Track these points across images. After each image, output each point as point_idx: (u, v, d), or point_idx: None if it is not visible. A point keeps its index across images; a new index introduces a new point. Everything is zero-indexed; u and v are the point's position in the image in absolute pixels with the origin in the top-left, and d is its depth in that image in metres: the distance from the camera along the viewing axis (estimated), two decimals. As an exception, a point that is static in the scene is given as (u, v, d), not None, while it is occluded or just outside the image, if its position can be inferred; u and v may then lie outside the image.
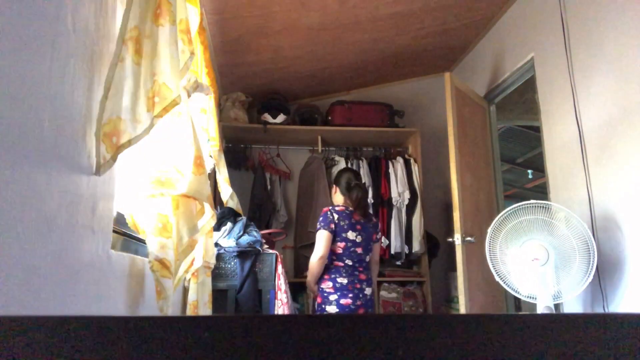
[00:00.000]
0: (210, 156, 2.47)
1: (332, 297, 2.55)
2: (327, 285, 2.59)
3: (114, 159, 1.11)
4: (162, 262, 1.32)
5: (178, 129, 1.42)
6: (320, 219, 2.58)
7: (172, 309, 1.90)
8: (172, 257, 1.34)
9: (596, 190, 2.38)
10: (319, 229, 2.56)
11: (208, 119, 2.31)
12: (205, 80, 2.21)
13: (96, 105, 1.09)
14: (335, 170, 3.94)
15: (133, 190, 1.32)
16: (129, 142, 1.13)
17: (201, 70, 2.14)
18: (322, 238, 2.54)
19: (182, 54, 1.46)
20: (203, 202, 1.49)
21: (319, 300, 2.59)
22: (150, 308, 1.54)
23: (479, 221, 2.99)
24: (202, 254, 1.96)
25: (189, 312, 1.99)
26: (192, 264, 1.76)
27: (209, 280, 2.16)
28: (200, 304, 2.03)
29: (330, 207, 2.63)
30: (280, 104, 3.83)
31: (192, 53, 1.48)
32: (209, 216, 1.65)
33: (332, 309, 2.55)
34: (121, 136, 1.12)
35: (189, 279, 2.04)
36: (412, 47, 3.72)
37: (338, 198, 2.71)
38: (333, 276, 2.58)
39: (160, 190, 1.33)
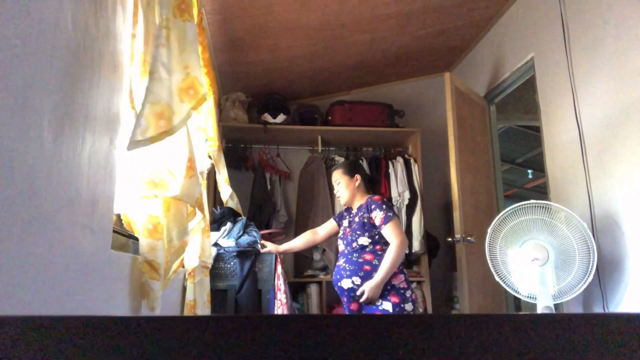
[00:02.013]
0: (209, 156, 2.47)
1: (408, 293, 2.27)
2: (400, 280, 2.27)
3: (152, 141, 1.12)
4: (151, 263, 1.31)
5: None
6: (384, 207, 2.34)
7: (171, 309, 1.90)
8: (161, 259, 1.33)
9: (596, 190, 2.38)
10: (393, 216, 2.32)
11: (206, 119, 2.30)
12: (205, 80, 2.20)
13: (96, 105, 1.09)
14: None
15: (128, 190, 1.33)
16: (167, 132, 1.15)
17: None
18: (399, 224, 2.34)
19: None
20: (193, 205, 1.49)
21: (395, 299, 2.22)
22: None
23: (479, 221, 2.99)
24: (199, 254, 1.95)
25: (186, 312, 1.99)
26: (181, 264, 1.76)
27: (207, 280, 2.15)
28: (198, 303, 2.02)
29: (380, 197, 2.43)
30: (280, 104, 3.83)
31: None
32: (199, 218, 1.65)
33: (409, 307, 2.24)
34: (166, 122, 1.14)
35: (186, 279, 2.04)
36: (412, 47, 3.72)
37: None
38: (401, 267, 2.32)
39: (153, 191, 1.33)
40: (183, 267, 1.96)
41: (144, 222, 1.34)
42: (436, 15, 3.26)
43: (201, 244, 1.96)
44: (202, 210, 1.56)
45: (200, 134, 2.26)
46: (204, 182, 2.28)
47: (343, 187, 2.49)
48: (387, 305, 2.21)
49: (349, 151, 4.10)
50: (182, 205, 1.42)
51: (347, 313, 2.33)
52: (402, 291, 2.24)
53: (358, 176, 2.50)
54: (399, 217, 2.43)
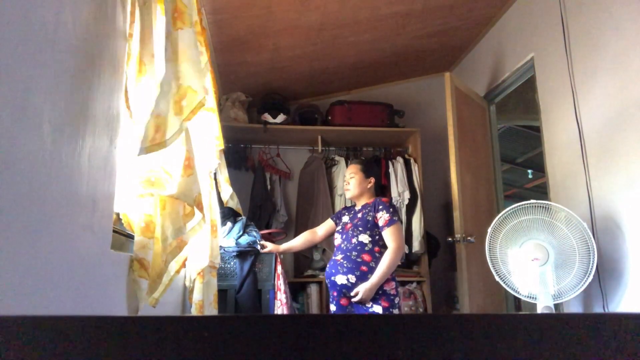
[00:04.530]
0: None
1: (396, 300, 2.30)
2: (391, 286, 2.30)
3: (147, 151, 1.15)
4: (141, 262, 1.31)
5: None
6: (391, 209, 2.37)
7: (171, 309, 1.90)
8: (151, 257, 1.33)
9: (596, 190, 2.38)
10: (397, 221, 2.35)
11: (211, 118, 2.29)
12: (201, 83, 2.19)
13: (96, 105, 1.09)
14: (335, 170, 3.94)
15: (126, 189, 1.32)
16: (159, 145, 1.17)
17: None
18: (401, 230, 2.36)
19: (201, 56, 1.48)
20: (191, 204, 1.48)
21: (385, 304, 2.26)
22: (150, 308, 1.54)
23: (479, 221, 2.98)
24: (208, 254, 1.95)
25: (195, 311, 1.99)
26: (183, 264, 1.75)
27: (214, 280, 2.14)
28: (205, 303, 2.02)
29: (389, 200, 2.45)
30: (280, 104, 3.83)
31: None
32: (199, 218, 1.64)
33: (396, 313, 2.26)
34: (161, 135, 1.17)
35: (194, 279, 2.03)
36: (412, 47, 3.72)
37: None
38: (393, 274, 2.33)
39: (150, 190, 1.32)
40: (184, 267, 1.96)
41: (139, 220, 1.34)
42: (436, 15, 3.26)
43: (210, 244, 1.95)
44: (200, 210, 1.55)
45: (211, 133, 2.24)
46: (211, 182, 2.28)
47: (355, 183, 2.53)
48: (377, 309, 2.26)
49: (349, 151, 4.10)
50: (178, 203, 1.41)
51: (335, 307, 2.38)
52: (391, 297, 2.30)
53: (373, 180, 2.55)
54: (402, 224, 2.43)
